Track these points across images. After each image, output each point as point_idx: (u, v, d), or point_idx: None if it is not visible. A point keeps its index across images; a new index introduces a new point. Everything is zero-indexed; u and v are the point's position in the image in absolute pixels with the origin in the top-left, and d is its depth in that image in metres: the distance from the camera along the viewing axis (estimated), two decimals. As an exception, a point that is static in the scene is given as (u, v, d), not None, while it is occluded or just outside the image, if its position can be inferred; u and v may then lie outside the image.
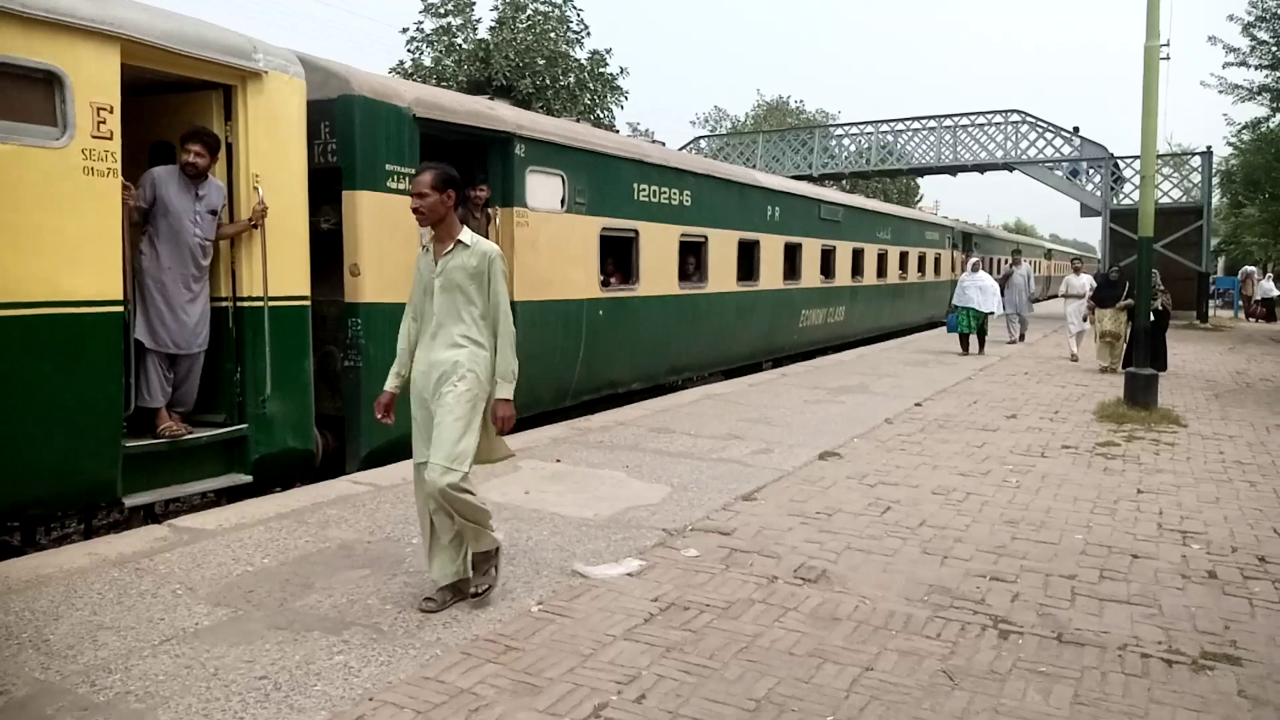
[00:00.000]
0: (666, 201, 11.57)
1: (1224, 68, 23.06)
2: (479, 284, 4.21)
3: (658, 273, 11.43)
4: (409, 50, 31.67)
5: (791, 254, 15.68)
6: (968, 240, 30.10)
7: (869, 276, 19.97)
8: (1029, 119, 28.46)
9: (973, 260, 18.23)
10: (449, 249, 4.22)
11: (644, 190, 11.08)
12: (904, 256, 22.66)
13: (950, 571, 4.88)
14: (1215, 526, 5.83)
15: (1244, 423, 9.89)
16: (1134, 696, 3.50)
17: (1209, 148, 27.10)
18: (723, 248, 13.09)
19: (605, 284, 10.53)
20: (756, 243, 14.22)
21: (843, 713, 3.33)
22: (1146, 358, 10.93)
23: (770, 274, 14.75)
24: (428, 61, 31.39)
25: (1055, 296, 46.72)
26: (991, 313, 16.96)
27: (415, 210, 4.19)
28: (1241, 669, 3.75)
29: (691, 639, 3.94)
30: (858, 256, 19.19)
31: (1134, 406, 10.33)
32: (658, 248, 11.42)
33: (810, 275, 16.48)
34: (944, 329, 18.98)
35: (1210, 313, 28.92)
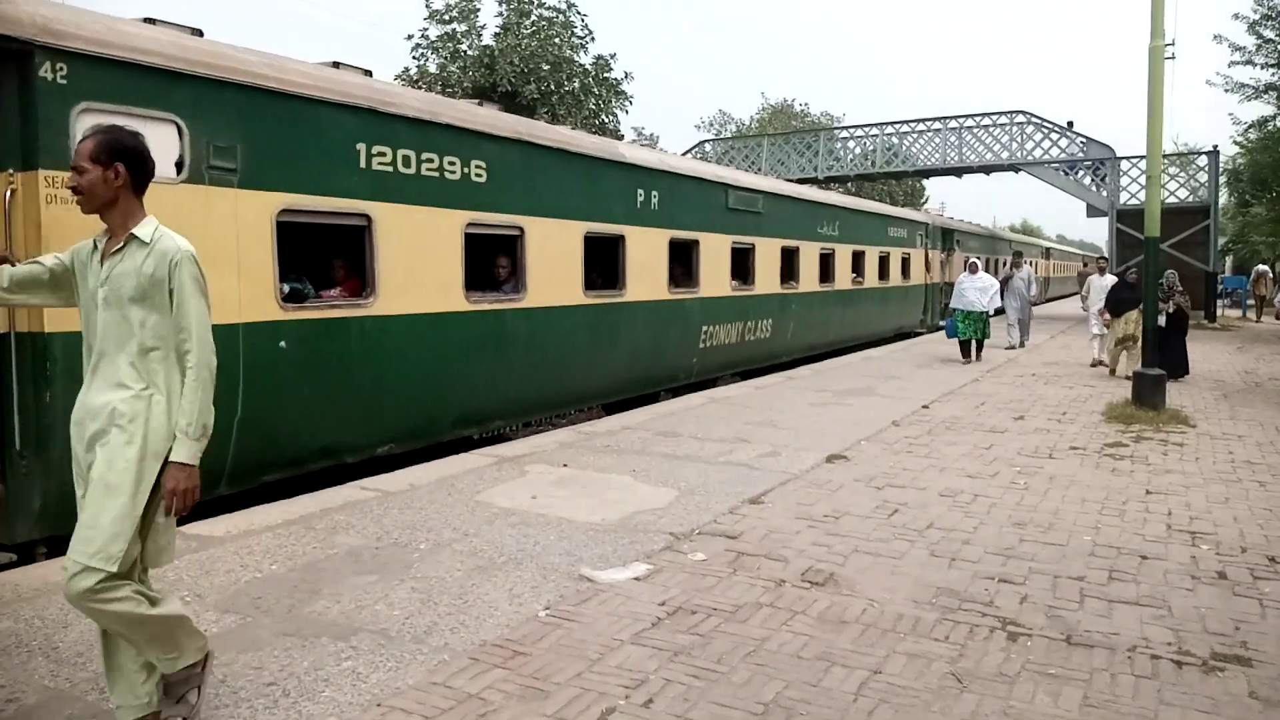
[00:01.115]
0: (435, 175, 7.96)
1: (1230, 66, 23.02)
2: (156, 298, 3.06)
3: (418, 280, 7.84)
4: (414, 57, 31.81)
5: (683, 254, 12.38)
6: (948, 238, 26.72)
7: (807, 282, 16.35)
8: (1034, 120, 28.43)
9: (972, 261, 17.21)
10: (119, 246, 3.10)
11: (383, 156, 7.49)
12: (858, 257, 19.11)
13: (958, 574, 4.87)
14: (1225, 527, 5.80)
15: (1253, 422, 9.84)
16: (1144, 698, 3.49)
17: (1215, 147, 27.04)
18: (556, 245, 9.55)
19: (296, 299, 6.99)
20: (620, 239, 10.76)
21: (851, 716, 3.32)
22: (1155, 357, 10.89)
23: (646, 280, 11.23)
24: (433, 68, 31.50)
25: (1055, 299, 45.66)
26: (987, 312, 15.77)
27: (74, 190, 3.10)
28: (1252, 670, 3.73)
29: (699, 643, 3.94)
30: (790, 257, 15.68)
31: (1142, 407, 10.29)
32: (416, 243, 7.81)
33: (715, 281, 13.01)
34: (944, 334, 17.72)
35: (1219, 312, 28.81)
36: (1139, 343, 13.58)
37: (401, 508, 6.08)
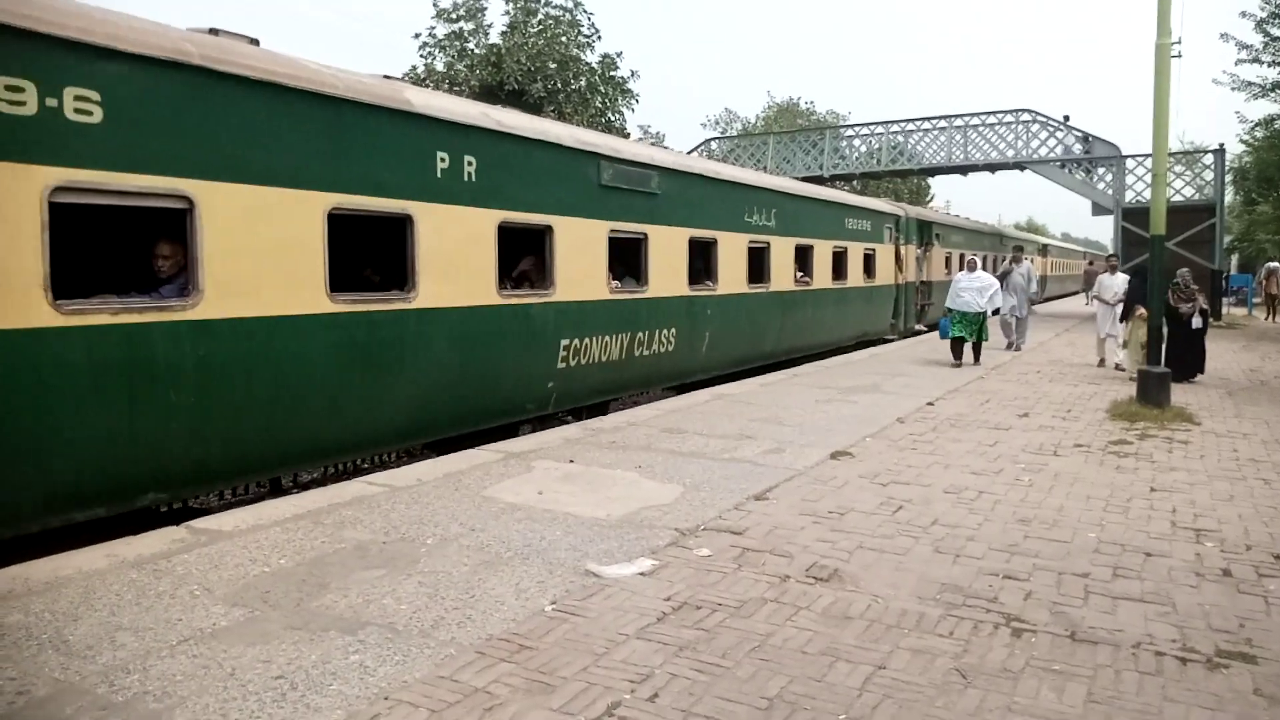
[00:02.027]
0: None
1: (1236, 64, 22.97)
2: None
3: None
4: (421, 56, 31.90)
5: (528, 244, 9.65)
6: (925, 231, 23.63)
7: (730, 282, 13.29)
8: (1040, 118, 28.38)
9: (970, 258, 16.19)
10: None
11: None
12: (804, 253, 16.09)
13: (963, 570, 4.88)
14: (1229, 524, 5.81)
15: (1258, 420, 9.83)
16: (1148, 695, 3.50)
17: (1222, 145, 26.98)
18: (267, 226, 6.50)
19: None
20: (405, 221, 7.66)
21: (855, 711, 3.34)
22: (1158, 355, 10.87)
23: (456, 278, 8.17)
24: (440, 67, 31.57)
25: (1052, 299, 44.45)
26: (985, 311, 14.78)
27: None
28: (1257, 667, 3.74)
29: (704, 638, 3.96)
30: (704, 251, 12.78)
31: (1147, 405, 10.28)
32: None
33: (583, 280, 9.98)
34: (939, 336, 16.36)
35: (1224, 310, 28.74)
36: (1164, 343, 13.33)
37: (409, 503, 6.10)
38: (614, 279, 10.72)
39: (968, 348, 15.05)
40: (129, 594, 4.38)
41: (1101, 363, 14.99)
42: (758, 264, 14.33)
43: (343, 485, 6.63)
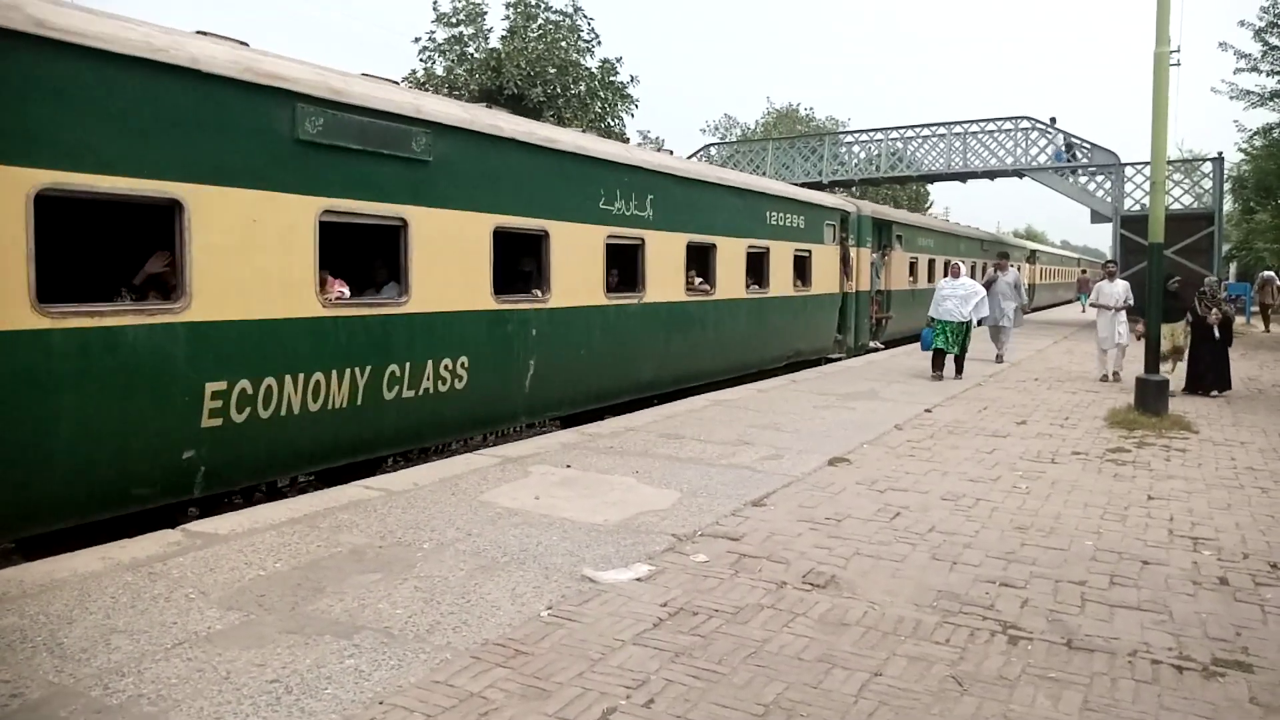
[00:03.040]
0: None
1: (1235, 73, 23.04)
2: None
3: None
4: (421, 60, 31.97)
5: (158, 233, 6.27)
6: (883, 232, 20.52)
7: (573, 291, 9.88)
8: (1039, 125, 28.45)
9: (954, 263, 15.05)
10: None
11: None
12: (704, 254, 12.80)
13: (959, 577, 4.87)
14: (1227, 533, 5.81)
15: (1256, 429, 9.84)
16: (1144, 703, 3.49)
17: (1220, 153, 27.03)
18: None
19: None
20: None
21: (851, 718, 3.33)
22: (1156, 363, 10.87)
23: None
24: (440, 71, 31.65)
25: (1041, 308, 43.71)
26: (969, 321, 13.93)
27: None
28: (1253, 676, 3.74)
29: (700, 644, 3.95)
30: (528, 248, 9.62)
31: (1145, 413, 10.28)
32: None
33: (254, 288, 6.43)
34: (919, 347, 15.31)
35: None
36: (1182, 354, 13.30)
37: (405, 507, 6.09)
38: (343, 287, 7.37)
39: (949, 360, 14.05)
40: (124, 597, 4.37)
41: (1104, 378, 14.17)
42: (626, 266, 11.23)
43: (339, 490, 6.62)
